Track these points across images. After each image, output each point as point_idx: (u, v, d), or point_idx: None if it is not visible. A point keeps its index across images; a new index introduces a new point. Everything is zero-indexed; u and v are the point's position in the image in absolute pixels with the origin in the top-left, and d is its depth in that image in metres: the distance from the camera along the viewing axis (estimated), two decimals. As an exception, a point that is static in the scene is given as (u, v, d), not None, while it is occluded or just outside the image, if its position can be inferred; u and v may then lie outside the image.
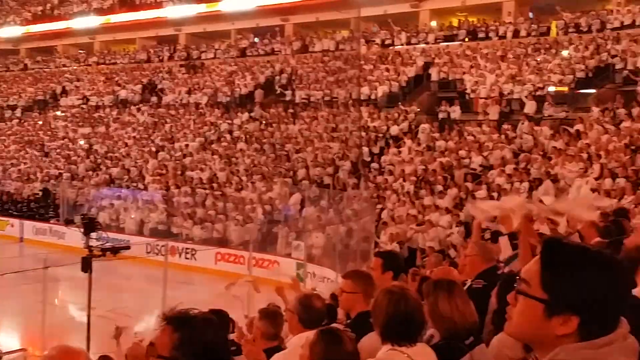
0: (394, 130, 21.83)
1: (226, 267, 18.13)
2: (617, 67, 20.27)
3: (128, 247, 9.91)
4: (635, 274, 2.67)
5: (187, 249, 19.58)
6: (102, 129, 30.49)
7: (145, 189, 23.63)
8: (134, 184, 24.27)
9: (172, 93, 31.41)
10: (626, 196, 12.22)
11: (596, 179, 14.22)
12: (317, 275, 15.87)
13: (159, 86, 32.58)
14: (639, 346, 1.58)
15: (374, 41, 28.31)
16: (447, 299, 3.27)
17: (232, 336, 6.05)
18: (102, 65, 37.19)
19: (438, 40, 26.37)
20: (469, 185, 16.83)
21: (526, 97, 20.27)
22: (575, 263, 1.55)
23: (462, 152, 18.71)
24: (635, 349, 1.58)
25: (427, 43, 26.45)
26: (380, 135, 21.93)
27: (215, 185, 22.23)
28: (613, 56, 20.52)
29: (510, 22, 24.92)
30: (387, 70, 25.53)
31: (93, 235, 8.53)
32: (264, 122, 26.17)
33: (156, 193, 23.02)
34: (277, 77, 28.86)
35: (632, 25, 21.78)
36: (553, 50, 22.45)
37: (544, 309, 1.55)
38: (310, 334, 2.82)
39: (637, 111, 16.92)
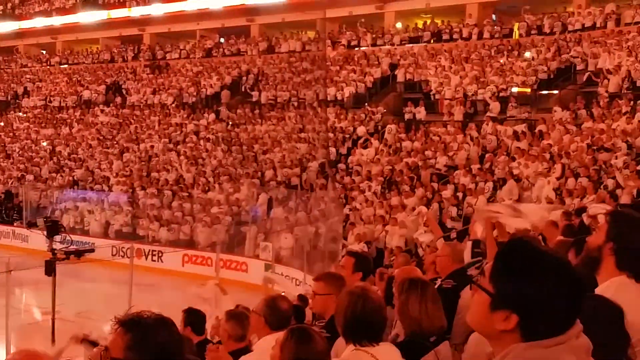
0: (361, 131, 21.95)
1: (194, 269, 18.01)
2: (579, 68, 20.70)
3: (92, 250, 9.81)
4: (596, 274, 2.73)
5: (153, 251, 19.39)
6: (65, 130, 30.01)
7: (110, 190, 23.34)
8: (99, 186, 23.96)
9: (137, 93, 31.07)
10: (588, 195, 12.49)
11: (558, 178, 14.51)
12: (286, 275, 15.87)
13: (123, 87, 32.20)
14: (590, 345, 1.63)
15: (340, 42, 28.41)
16: (419, 300, 3.30)
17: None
18: (65, 66, 36.58)
19: (403, 42, 26.59)
20: (435, 185, 17.02)
21: (490, 98, 20.58)
22: (525, 264, 1.59)
23: (428, 153, 18.92)
24: (587, 348, 1.63)
25: (392, 44, 26.64)
26: (347, 136, 22.04)
27: (181, 186, 22.07)
28: (574, 57, 20.96)
29: (474, 25, 25.24)
30: (354, 71, 25.65)
31: (57, 238, 8.42)
32: (230, 123, 26.06)
33: (121, 195, 22.76)
34: (244, 78, 28.76)
35: (593, 27, 22.27)
36: (516, 52, 22.83)
37: (490, 302, 1.61)
38: (281, 335, 2.84)
39: (598, 112, 17.32)
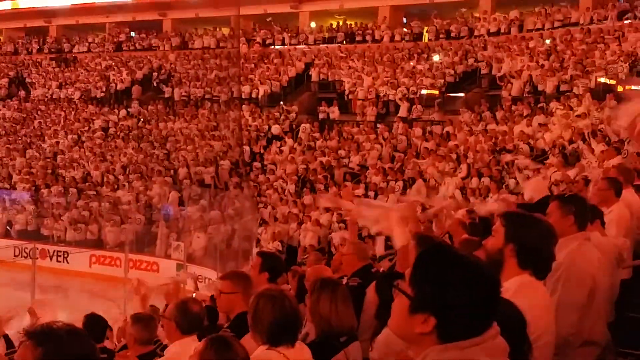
0: (275, 129, 22.00)
1: (102, 270, 17.53)
2: (483, 72, 21.58)
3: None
4: (500, 276, 2.86)
5: (59, 251, 18.70)
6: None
7: (13, 188, 22.30)
8: (0, 183, 22.84)
9: (42, 87, 29.78)
10: (491, 194, 13.07)
11: (463, 178, 15.11)
12: (199, 275, 15.69)
13: (27, 80, 30.78)
14: (507, 346, 1.71)
15: (254, 40, 28.32)
16: (329, 299, 3.39)
17: (107, 343, 5.91)
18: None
19: (317, 42, 26.82)
20: (349, 184, 17.30)
21: (400, 99, 21.12)
22: (443, 268, 1.67)
23: (342, 152, 19.22)
24: (503, 349, 1.71)
25: (307, 44, 26.82)
26: (262, 134, 22.03)
27: (89, 184, 21.38)
28: (479, 62, 21.83)
29: (386, 27, 25.77)
30: (268, 69, 25.65)
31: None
32: (141, 119, 25.45)
33: (24, 193, 21.80)
34: (155, 74, 28.14)
35: (498, 32, 23.25)
36: (425, 55, 23.51)
37: (409, 305, 1.69)
38: (198, 344, 2.80)
39: (501, 114, 18.13)
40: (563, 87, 18.24)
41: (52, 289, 14.05)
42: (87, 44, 32.07)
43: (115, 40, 31.62)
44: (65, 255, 18.56)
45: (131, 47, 30.99)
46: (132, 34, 32.32)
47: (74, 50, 32.02)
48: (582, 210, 3.63)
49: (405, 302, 1.69)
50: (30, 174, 22.83)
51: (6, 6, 33.64)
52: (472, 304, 1.64)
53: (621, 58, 17.94)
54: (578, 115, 15.87)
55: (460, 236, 5.75)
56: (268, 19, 28.38)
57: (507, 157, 14.92)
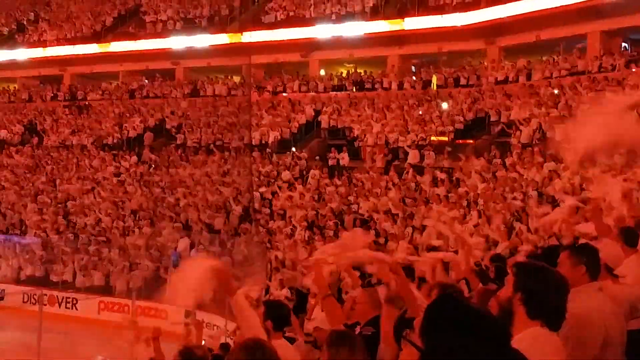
0: (285, 175, 22.10)
1: (110, 317, 17.40)
2: (492, 119, 21.71)
3: (1, 298, 9.36)
4: (511, 325, 2.83)
5: (67, 298, 18.64)
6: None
7: (24, 234, 22.39)
8: (12, 229, 22.94)
9: (55, 134, 30.18)
10: (501, 242, 12.98)
11: (475, 226, 15.03)
12: (207, 322, 15.57)
13: (41, 127, 31.22)
14: None
15: (265, 88, 28.70)
16: (348, 352, 3.33)
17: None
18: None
19: (327, 90, 27.16)
20: (357, 230, 17.25)
21: (409, 146, 21.22)
22: (453, 319, 1.68)
23: (351, 198, 19.23)
24: None
25: (317, 92, 27.16)
26: (272, 180, 22.12)
27: (99, 230, 21.44)
28: (489, 109, 21.98)
29: (395, 75, 26.09)
30: (279, 116, 25.92)
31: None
32: (153, 165, 25.66)
33: (34, 239, 21.86)
34: (167, 120, 28.49)
35: (506, 80, 23.48)
36: (434, 103, 23.72)
37: (419, 357, 1.69)
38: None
39: (510, 161, 18.16)
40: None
41: (59, 336, 13.96)
42: (100, 91, 32.61)
43: (128, 88, 32.15)
44: (74, 302, 18.49)
45: (144, 95, 31.46)
46: (146, 81, 32.87)
47: (88, 98, 32.54)
48: (594, 260, 3.61)
49: (415, 353, 1.69)
50: (41, 220, 22.94)
51: (22, 55, 34.38)
52: (481, 354, 1.63)
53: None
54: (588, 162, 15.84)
55: (475, 284, 5.70)
56: (285, 68, 28.81)
57: (518, 204, 14.90)
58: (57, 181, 25.92)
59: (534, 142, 19.01)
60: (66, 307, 18.42)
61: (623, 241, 4.99)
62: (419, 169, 19.88)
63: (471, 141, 21.53)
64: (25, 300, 17.69)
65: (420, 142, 21.36)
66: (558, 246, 5.13)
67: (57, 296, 18.34)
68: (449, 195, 17.07)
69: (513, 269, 2.91)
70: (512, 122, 20.39)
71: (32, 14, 37.18)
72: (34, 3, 38.09)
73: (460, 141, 21.64)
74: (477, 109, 22.32)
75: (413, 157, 20.80)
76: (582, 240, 5.49)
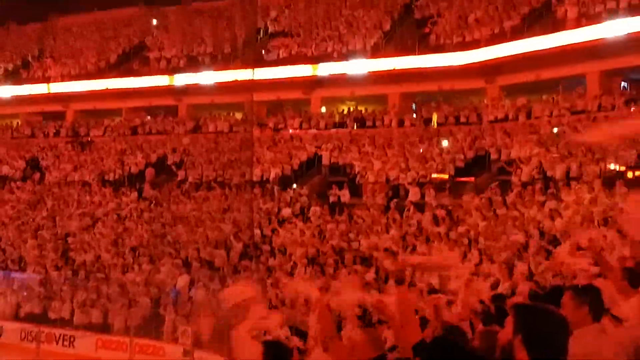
0: (286, 212, 22.07)
1: (108, 355, 17.22)
2: (493, 157, 21.77)
3: None
4: None
5: (65, 335, 18.44)
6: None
7: (22, 270, 22.26)
8: (11, 265, 22.82)
9: (57, 170, 30.26)
10: (502, 282, 12.88)
11: (476, 264, 14.94)
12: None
13: (43, 163, 31.33)
14: None
15: (267, 125, 28.88)
16: None
17: None
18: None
19: (328, 127, 27.32)
20: (359, 268, 17.15)
21: (409, 183, 21.25)
22: None
23: (352, 235, 19.16)
24: None
25: (318, 129, 27.31)
26: (273, 217, 22.07)
27: (99, 266, 21.32)
28: (489, 147, 22.06)
29: (395, 113, 26.27)
30: (280, 153, 26.02)
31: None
32: (153, 201, 25.65)
33: (33, 275, 21.72)
34: (169, 156, 28.60)
35: (506, 119, 23.62)
36: (434, 140, 23.82)
37: None
38: None
39: (511, 199, 18.14)
40: (573, 174, 18.33)
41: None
42: (103, 127, 32.80)
43: (130, 124, 32.35)
44: (72, 340, 18.28)
45: (146, 131, 31.64)
46: (148, 117, 33.09)
47: (90, 134, 32.73)
48: (597, 301, 3.58)
49: None
50: (41, 256, 22.84)
51: (25, 91, 34.69)
52: None
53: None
54: (590, 202, 15.85)
55: (478, 324, 5.63)
56: (287, 105, 29.05)
57: (519, 243, 14.83)
58: (57, 217, 25.90)
59: (534, 181, 19.03)
60: (64, 345, 18.22)
61: (627, 281, 4.96)
62: (419, 207, 19.85)
63: (472, 179, 21.55)
64: (23, 337, 17.53)
65: (420, 180, 21.38)
66: (561, 286, 5.08)
67: (54, 334, 18.14)
68: (450, 233, 17.02)
69: (512, 310, 2.88)
70: (512, 161, 20.44)
71: (37, 50, 37.63)
72: (39, 39, 38.59)
73: (461, 179, 21.66)
74: (477, 147, 22.40)
75: (414, 194, 20.79)
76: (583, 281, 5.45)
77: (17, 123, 36.17)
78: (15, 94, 34.85)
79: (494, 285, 11.98)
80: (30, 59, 37.12)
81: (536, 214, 16.45)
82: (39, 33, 39.33)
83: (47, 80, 34.60)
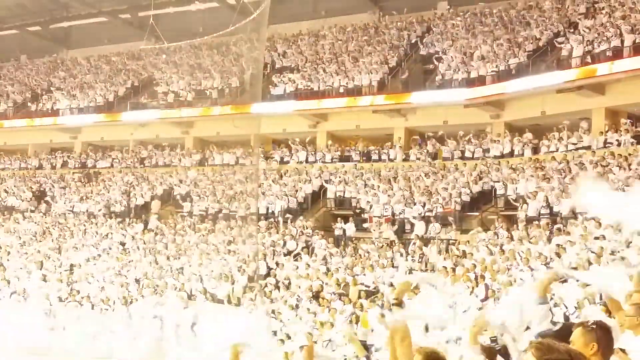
0: (291, 245, 22.06)
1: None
2: (499, 192, 21.79)
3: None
4: None
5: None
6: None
7: (27, 300, 22.19)
8: (15, 295, 22.76)
9: (63, 201, 30.40)
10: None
11: (482, 300, 14.87)
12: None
13: (50, 194, 31.48)
14: None
15: (273, 157, 29.02)
16: None
17: None
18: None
19: (334, 160, 27.44)
20: (364, 302, 17.08)
21: (415, 217, 21.25)
22: None
23: (357, 269, 19.12)
24: None
25: (323, 162, 27.43)
26: (277, 250, 22.06)
27: (102, 299, 21.27)
28: (495, 182, 22.09)
29: (400, 147, 26.38)
30: (286, 186, 26.11)
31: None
32: (159, 233, 25.69)
33: (38, 306, 21.64)
34: (176, 188, 28.71)
35: (511, 154, 23.69)
36: (440, 175, 23.86)
37: None
38: None
39: (517, 234, 18.12)
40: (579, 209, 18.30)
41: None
42: (110, 159, 33.00)
43: (137, 156, 32.55)
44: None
45: (153, 163, 31.82)
46: (155, 150, 33.26)
47: (97, 166, 32.92)
48: (607, 338, 3.58)
49: None
50: (46, 286, 22.80)
51: (34, 124, 34.97)
52: None
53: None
54: (596, 238, 15.81)
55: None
56: (294, 139, 29.22)
57: (525, 278, 14.77)
58: (63, 248, 25.93)
59: (540, 216, 19.02)
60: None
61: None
62: (425, 241, 19.83)
63: (477, 214, 21.55)
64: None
65: (426, 214, 21.38)
66: (571, 323, 5.07)
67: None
68: (456, 267, 16.97)
69: (533, 349, 2.89)
70: (518, 196, 20.44)
71: (46, 83, 38.09)
72: (48, 72, 39.08)
73: (467, 213, 21.66)
74: (483, 182, 22.44)
75: (419, 228, 20.79)
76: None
77: (26, 154, 36.32)
78: (24, 126, 35.15)
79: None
80: (39, 91, 37.55)
81: (543, 249, 16.41)
82: (49, 66, 39.84)
83: (55, 113, 34.93)
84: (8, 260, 25.76)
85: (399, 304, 4.13)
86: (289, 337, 16.34)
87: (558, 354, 2.80)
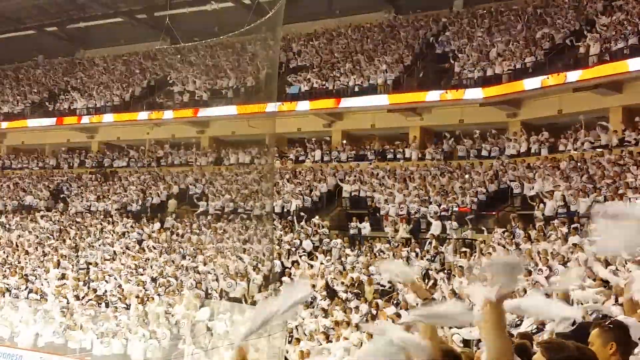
0: (307, 244, 22.05)
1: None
2: (515, 191, 21.63)
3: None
4: None
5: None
6: (1, 235, 29.06)
7: (44, 300, 22.39)
8: (33, 294, 22.99)
9: (80, 200, 30.64)
10: (526, 318, 12.69)
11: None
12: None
13: (67, 193, 31.75)
14: None
15: (288, 156, 29.04)
16: None
17: None
18: (8, 170, 35.99)
19: (349, 159, 27.39)
20: (380, 301, 17.05)
21: (431, 216, 21.15)
22: None
23: (372, 268, 19.07)
24: None
25: (339, 161, 27.39)
26: (293, 249, 22.07)
27: (119, 297, 21.40)
28: (511, 181, 21.94)
29: (416, 146, 26.27)
30: (301, 185, 26.11)
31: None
32: (175, 232, 25.80)
33: (55, 304, 21.84)
34: (191, 187, 28.83)
35: (528, 153, 23.51)
36: (456, 174, 23.73)
37: None
38: None
39: (534, 233, 17.97)
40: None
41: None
42: (126, 159, 33.21)
43: (153, 155, 32.73)
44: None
45: (169, 162, 31.98)
46: (171, 150, 33.42)
47: (114, 165, 33.14)
48: (625, 338, 3.53)
49: None
50: (62, 285, 22.99)
51: (51, 123, 35.27)
52: None
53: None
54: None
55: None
56: (309, 138, 29.23)
57: (542, 278, 14.65)
58: (80, 247, 26.13)
59: (557, 215, 18.86)
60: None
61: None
62: (441, 241, 19.74)
63: (494, 213, 21.41)
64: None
65: (442, 213, 21.28)
66: (588, 323, 5.02)
67: (74, 363, 18.17)
68: (472, 267, 16.86)
69: (540, 347, 2.88)
70: (535, 195, 20.28)
71: (64, 83, 38.39)
72: (65, 73, 39.40)
73: (484, 212, 21.53)
74: (499, 181, 22.29)
75: (435, 227, 20.70)
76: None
77: (43, 154, 36.66)
78: (42, 125, 35.46)
79: (517, 322, 11.82)
80: (56, 91, 37.87)
81: (560, 249, 16.26)
82: (66, 66, 40.17)
83: (73, 112, 35.21)
84: (26, 259, 26.02)
85: (428, 298, 4.11)
86: (305, 334, 16.36)
87: (568, 353, 2.78)
